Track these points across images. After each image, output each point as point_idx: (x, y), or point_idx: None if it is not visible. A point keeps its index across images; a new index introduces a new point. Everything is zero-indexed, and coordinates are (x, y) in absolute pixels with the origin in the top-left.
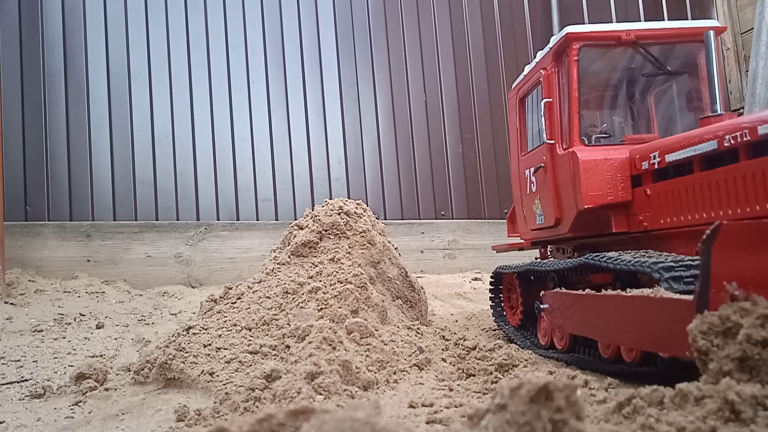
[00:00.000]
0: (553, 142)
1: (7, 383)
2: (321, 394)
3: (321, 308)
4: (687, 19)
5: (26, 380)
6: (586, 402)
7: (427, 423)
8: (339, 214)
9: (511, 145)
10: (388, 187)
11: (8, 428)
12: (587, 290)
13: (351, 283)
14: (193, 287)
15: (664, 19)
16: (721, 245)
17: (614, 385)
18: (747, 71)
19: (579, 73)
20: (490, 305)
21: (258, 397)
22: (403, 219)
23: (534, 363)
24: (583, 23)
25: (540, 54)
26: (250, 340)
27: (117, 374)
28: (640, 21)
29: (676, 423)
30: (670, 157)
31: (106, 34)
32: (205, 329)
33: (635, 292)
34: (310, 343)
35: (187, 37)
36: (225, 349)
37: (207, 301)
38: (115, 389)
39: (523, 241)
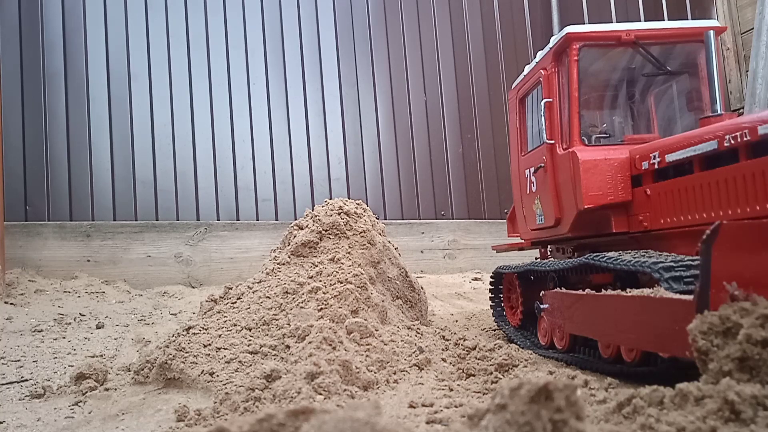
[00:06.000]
0: (553, 142)
1: (7, 383)
2: (321, 394)
3: (321, 308)
4: (687, 19)
5: (26, 380)
6: (586, 402)
7: (427, 423)
8: (339, 214)
9: (511, 145)
10: (388, 187)
11: (8, 428)
12: (587, 290)
13: (351, 283)
14: (193, 287)
15: (664, 19)
16: (721, 245)
17: (614, 385)
18: (747, 71)
19: (579, 73)
20: (490, 305)
21: (258, 397)
22: (403, 219)
23: (534, 363)
24: (583, 23)
25: (540, 54)
26: (250, 340)
27: (117, 374)
28: (640, 21)
29: (676, 423)
30: (670, 157)
31: (106, 34)
32: (205, 329)
33: (635, 292)
34: (310, 343)
35: (187, 37)
36: (225, 349)
37: (207, 301)
38: (115, 389)
39: (523, 241)
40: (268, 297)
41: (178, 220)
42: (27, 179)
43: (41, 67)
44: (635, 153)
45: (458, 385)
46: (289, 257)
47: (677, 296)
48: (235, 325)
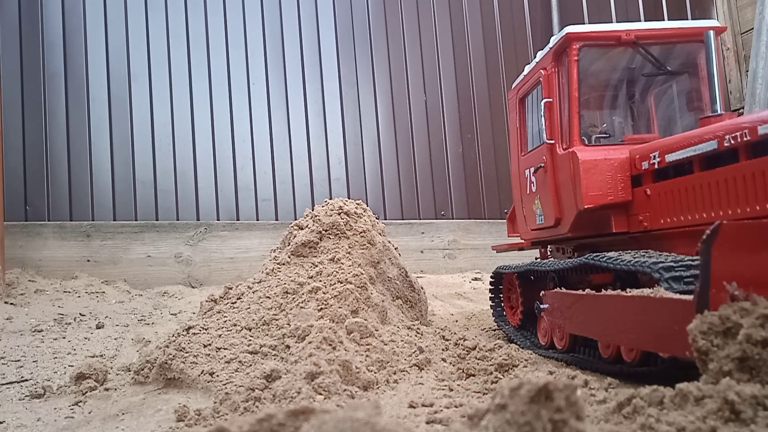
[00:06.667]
0: (553, 142)
1: (7, 383)
2: (321, 394)
3: (321, 308)
4: (687, 19)
5: (26, 380)
6: (586, 402)
7: (427, 423)
8: (339, 214)
9: (511, 145)
10: (388, 187)
11: (8, 428)
12: (587, 290)
13: (351, 283)
14: (193, 287)
15: (664, 19)
16: (721, 245)
17: (614, 385)
18: (747, 71)
19: (579, 73)
20: (490, 305)
21: (258, 397)
22: (403, 219)
23: (534, 363)
24: (583, 23)
25: (540, 54)
26: (250, 340)
27: (117, 374)
28: (640, 21)
29: (676, 423)
30: (670, 157)
31: (106, 34)
32: (205, 329)
33: (635, 292)
34: (310, 343)
35: (187, 36)
36: (225, 349)
37: (207, 301)
38: (115, 389)
39: (523, 241)
40: (268, 297)
41: (178, 220)
42: (27, 179)
43: (41, 67)
44: (635, 153)
45: (458, 385)
46: (289, 257)
47: (677, 296)
48: (235, 325)
